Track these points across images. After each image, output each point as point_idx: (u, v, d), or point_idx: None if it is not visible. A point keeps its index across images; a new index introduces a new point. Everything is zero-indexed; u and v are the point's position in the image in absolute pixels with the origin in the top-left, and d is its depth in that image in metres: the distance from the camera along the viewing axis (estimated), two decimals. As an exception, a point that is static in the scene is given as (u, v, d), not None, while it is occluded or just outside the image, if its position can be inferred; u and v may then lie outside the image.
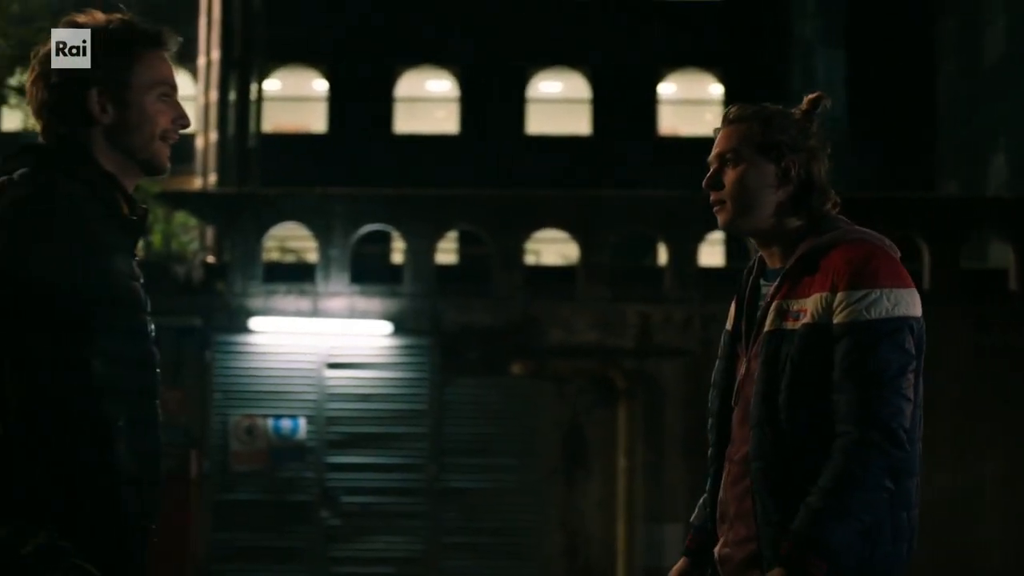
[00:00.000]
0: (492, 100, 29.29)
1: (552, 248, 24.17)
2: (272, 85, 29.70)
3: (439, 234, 18.14)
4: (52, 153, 2.90)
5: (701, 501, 3.45)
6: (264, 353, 17.50)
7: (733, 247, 24.14)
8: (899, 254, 3.27)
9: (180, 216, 16.36)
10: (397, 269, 18.92)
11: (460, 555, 17.37)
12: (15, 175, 2.84)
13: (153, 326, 2.92)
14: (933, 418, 14.62)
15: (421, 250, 17.86)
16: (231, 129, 26.31)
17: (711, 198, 3.33)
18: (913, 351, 3.16)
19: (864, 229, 3.28)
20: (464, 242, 24.61)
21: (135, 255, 2.93)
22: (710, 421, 3.40)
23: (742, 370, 3.31)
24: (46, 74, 2.90)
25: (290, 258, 24.84)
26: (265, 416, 17.29)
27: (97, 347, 2.74)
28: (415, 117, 29.78)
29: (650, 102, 29.34)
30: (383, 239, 22.78)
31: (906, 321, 3.14)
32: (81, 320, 2.72)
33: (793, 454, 3.14)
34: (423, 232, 17.90)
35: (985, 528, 17.32)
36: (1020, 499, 17.37)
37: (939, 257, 17.53)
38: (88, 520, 2.69)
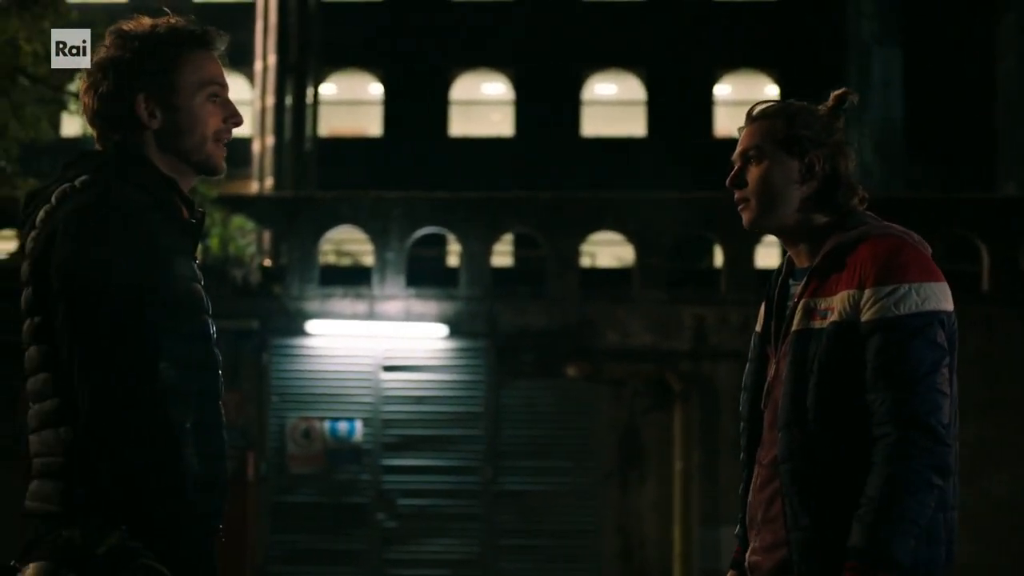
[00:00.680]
0: (547, 102, 29.28)
1: (607, 250, 24.13)
2: (328, 89, 29.84)
3: (494, 237, 18.15)
4: (110, 159, 2.93)
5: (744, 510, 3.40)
6: (320, 356, 17.58)
7: (789, 249, 23.97)
8: (929, 249, 3.20)
9: (237, 220, 16.46)
10: (453, 272, 18.95)
11: (516, 557, 17.37)
12: (76, 182, 2.87)
13: (215, 328, 2.95)
14: (992, 420, 14.44)
15: (476, 253, 17.88)
16: (287, 133, 26.46)
17: (735, 196, 3.28)
18: (945, 345, 3.08)
19: (891, 224, 3.21)
20: (519, 244, 24.62)
21: (195, 257, 2.96)
22: (742, 425, 3.35)
23: (771, 371, 3.26)
24: (97, 83, 2.93)
25: (346, 261, 24.94)
26: (321, 419, 17.37)
27: (162, 350, 2.77)
28: (470, 120, 29.82)
29: (705, 103, 29.25)
30: (439, 242, 22.82)
31: (937, 315, 3.07)
32: (146, 323, 2.75)
33: (823, 456, 3.07)
34: (478, 235, 17.92)
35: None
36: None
37: (998, 258, 17.36)
38: (158, 521, 2.72)
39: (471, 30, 29.36)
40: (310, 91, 27.08)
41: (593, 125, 29.64)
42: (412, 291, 17.70)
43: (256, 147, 26.61)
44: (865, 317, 3.07)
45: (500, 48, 29.38)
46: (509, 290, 18.01)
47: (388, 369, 17.50)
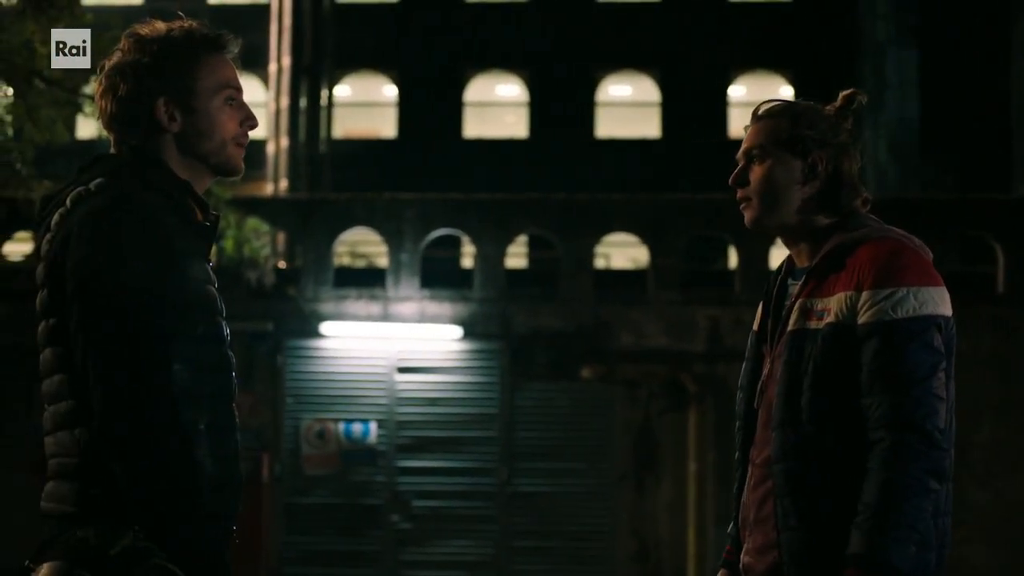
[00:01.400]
0: (561, 104, 29.28)
1: (622, 252, 24.13)
2: (342, 91, 29.87)
3: (509, 238, 18.16)
4: (125, 162, 2.94)
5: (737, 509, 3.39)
6: (335, 357, 17.60)
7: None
8: (930, 254, 3.20)
9: (252, 222, 16.49)
10: (467, 273, 18.96)
11: (530, 559, 17.37)
12: (91, 185, 2.88)
13: (228, 330, 2.96)
14: (1007, 421, 14.38)
15: (491, 254, 17.89)
16: (302, 135, 26.51)
17: (737, 195, 3.27)
18: (943, 350, 3.06)
19: (892, 227, 3.20)
20: (534, 246, 24.62)
21: (209, 260, 2.97)
22: (737, 424, 3.34)
23: (766, 370, 3.24)
24: (114, 87, 2.94)
25: (360, 263, 24.97)
26: (336, 420, 17.39)
27: (176, 352, 2.78)
28: (484, 121, 29.83)
29: (719, 105, 29.22)
30: (453, 244, 22.83)
31: (934, 320, 3.05)
32: (160, 326, 2.76)
33: (815, 457, 3.06)
34: (493, 236, 17.93)
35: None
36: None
37: (1013, 259, 17.31)
38: (171, 522, 2.73)
39: (485, 32, 29.37)
40: (324, 93, 27.13)
41: (607, 126, 29.64)
42: (426, 292, 17.72)
43: (271, 149, 26.66)
44: (862, 320, 3.05)
45: (514, 50, 29.39)
46: (523, 291, 18.02)
47: (402, 371, 17.51)
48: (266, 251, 17.76)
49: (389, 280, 17.84)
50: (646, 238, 18.11)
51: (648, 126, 29.48)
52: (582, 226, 18.04)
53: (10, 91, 12.78)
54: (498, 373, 17.58)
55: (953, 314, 3.13)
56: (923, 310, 3.04)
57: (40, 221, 2.94)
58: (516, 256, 24.11)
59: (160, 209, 2.86)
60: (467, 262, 22.48)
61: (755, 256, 17.64)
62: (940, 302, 3.08)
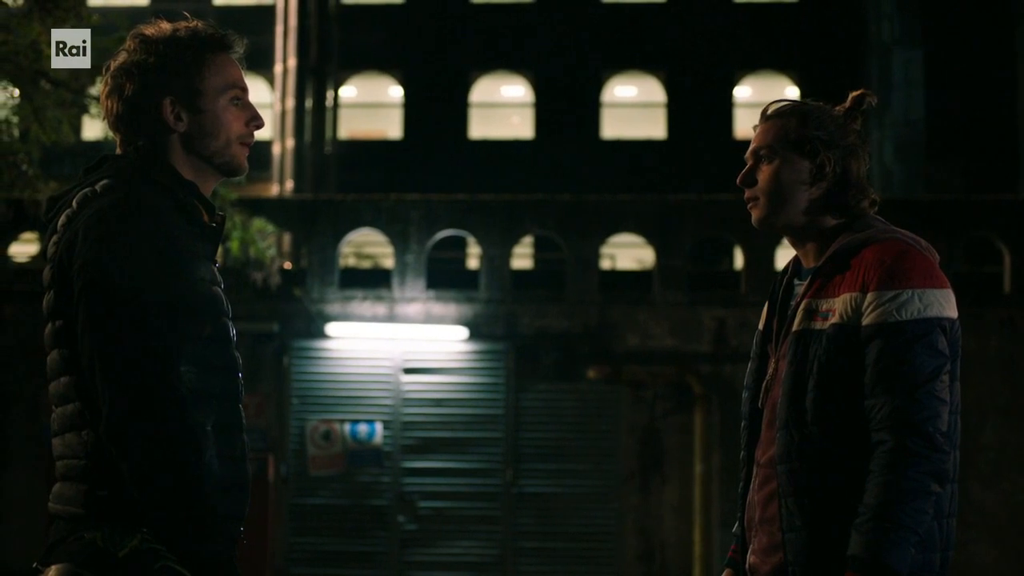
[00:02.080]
0: (566, 105, 29.28)
1: (627, 252, 24.12)
2: (348, 92, 29.89)
3: (514, 239, 18.15)
4: (131, 163, 2.94)
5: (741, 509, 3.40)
6: (341, 358, 17.60)
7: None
8: (936, 256, 3.18)
9: (258, 222, 16.48)
10: (472, 274, 18.95)
11: (536, 560, 17.37)
12: (97, 187, 2.88)
13: (235, 331, 2.96)
14: (1014, 423, 14.32)
15: (496, 255, 17.89)
16: (307, 136, 26.52)
17: (745, 195, 3.28)
18: (947, 353, 3.05)
19: (899, 229, 3.19)
20: (539, 247, 24.61)
21: (215, 261, 2.97)
22: (743, 423, 3.34)
23: (771, 370, 3.24)
24: (120, 87, 2.94)
25: (366, 264, 24.98)
26: (342, 421, 17.39)
27: (182, 353, 2.78)
28: (490, 123, 29.83)
29: (725, 105, 29.21)
30: (458, 245, 22.83)
31: (939, 322, 3.04)
32: (167, 327, 2.76)
33: (820, 457, 3.06)
34: (498, 237, 17.93)
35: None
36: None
37: (1019, 260, 17.29)
38: (179, 523, 2.73)
39: (491, 33, 29.37)
40: (330, 94, 27.14)
41: (613, 127, 29.63)
42: (432, 293, 17.72)
43: (276, 150, 26.67)
44: (866, 321, 3.05)
45: (520, 51, 29.39)
46: (529, 292, 18.02)
47: (408, 371, 17.51)
48: (272, 252, 17.75)
49: (395, 281, 17.85)
50: (652, 239, 18.11)
51: (654, 127, 29.47)
52: (588, 227, 18.03)
53: (16, 92, 12.80)
54: (504, 374, 17.57)
55: (959, 315, 3.12)
56: (928, 312, 3.03)
57: (47, 223, 2.95)
58: (522, 257, 24.12)
59: (166, 210, 2.86)
60: (473, 263, 22.49)
61: (761, 257, 17.62)
62: (945, 304, 3.07)
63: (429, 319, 17.61)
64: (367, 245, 24.45)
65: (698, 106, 28.91)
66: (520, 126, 29.97)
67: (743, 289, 17.68)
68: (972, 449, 16.72)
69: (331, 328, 17.51)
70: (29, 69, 12.05)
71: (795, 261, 3.34)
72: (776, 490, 3.14)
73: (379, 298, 17.77)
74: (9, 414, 17.36)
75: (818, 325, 3.12)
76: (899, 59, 29.57)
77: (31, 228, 17.82)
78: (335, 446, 17.36)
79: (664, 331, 17.54)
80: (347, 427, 17.36)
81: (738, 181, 3.28)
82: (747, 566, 3.26)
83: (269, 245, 17.08)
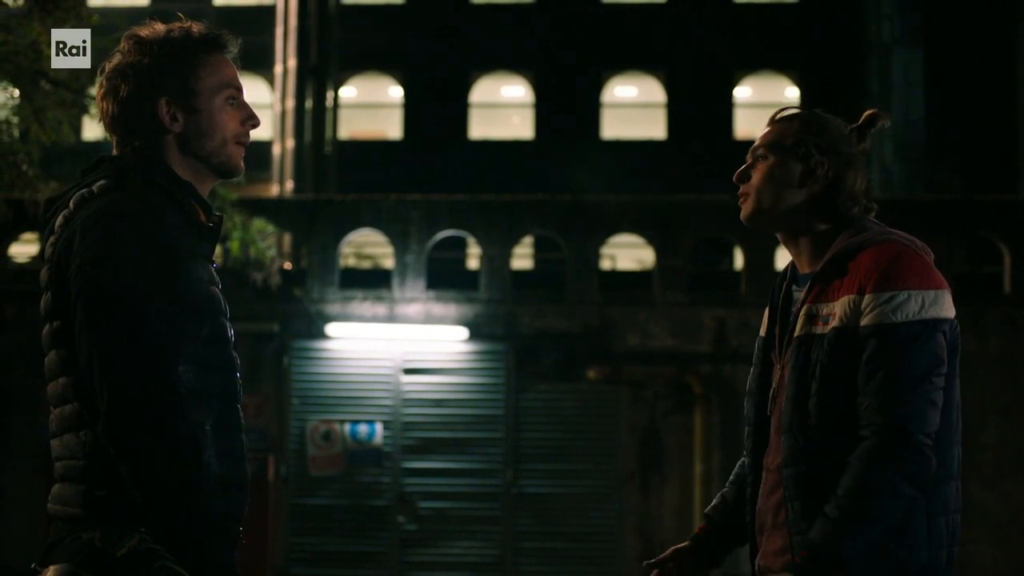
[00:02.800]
0: (566, 105, 29.28)
1: (627, 253, 24.12)
2: (348, 92, 29.89)
3: (514, 240, 18.16)
4: (128, 163, 2.94)
5: (720, 495, 3.45)
6: (341, 359, 17.61)
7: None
8: (932, 256, 3.20)
9: (258, 223, 16.49)
10: (473, 275, 18.95)
11: (536, 560, 17.37)
12: (94, 187, 2.88)
13: (233, 331, 2.96)
14: (1014, 422, 14.31)
15: (496, 256, 17.89)
16: (307, 136, 26.51)
17: (739, 191, 3.32)
18: (943, 354, 3.07)
19: (895, 231, 3.21)
20: (539, 247, 24.61)
21: (213, 261, 2.97)
22: (746, 430, 3.36)
23: (776, 377, 3.27)
24: (115, 88, 2.94)
25: (366, 264, 24.98)
26: (342, 421, 17.39)
27: (180, 352, 2.78)
28: (490, 123, 29.84)
29: (725, 106, 29.21)
30: (458, 245, 22.83)
31: (936, 323, 3.06)
32: (165, 327, 2.76)
33: (824, 461, 3.08)
34: (498, 238, 17.93)
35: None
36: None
37: (1019, 260, 17.28)
38: (177, 523, 2.73)
39: (491, 33, 29.37)
40: (330, 94, 27.13)
41: (613, 127, 29.63)
42: (432, 294, 17.72)
43: (276, 150, 26.67)
44: (864, 322, 3.07)
45: (520, 51, 29.39)
46: (529, 293, 18.02)
47: (408, 372, 17.51)
48: (272, 252, 17.75)
49: (395, 281, 17.85)
50: (652, 239, 18.11)
51: (654, 127, 29.47)
52: (588, 227, 18.03)
53: (16, 92, 12.80)
54: (504, 374, 17.58)
55: (957, 315, 3.13)
56: (924, 313, 3.06)
57: (44, 223, 2.94)
58: (522, 257, 24.12)
59: (163, 210, 2.86)
60: (473, 263, 22.49)
61: (761, 257, 17.63)
62: (942, 305, 3.09)
63: (429, 319, 17.61)
64: (367, 245, 24.45)
65: (698, 106, 28.91)
66: (520, 126, 29.97)
67: (743, 289, 17.68)
68: (972, 449, 16.73)
69: (331, 328, 17.51)
70: (29, 69, 12.05)
71: (792, 267, 3.37)
72: (784, 495, 3.17)
73: (379, 298, 17.77)
74: (9, 414, 17.36)
75: (819, 329, 3.15)
76: (899, 59, 29.57)
77: (31, 228, 17.82)
78: (335, 446, 17.36)
79: (664, 331, 17.54)
80: (347, 427, 17.36)
81: (734, 178, 3.33)
82: (756, 568, 3.29)
83: (269, 245, 17.08)
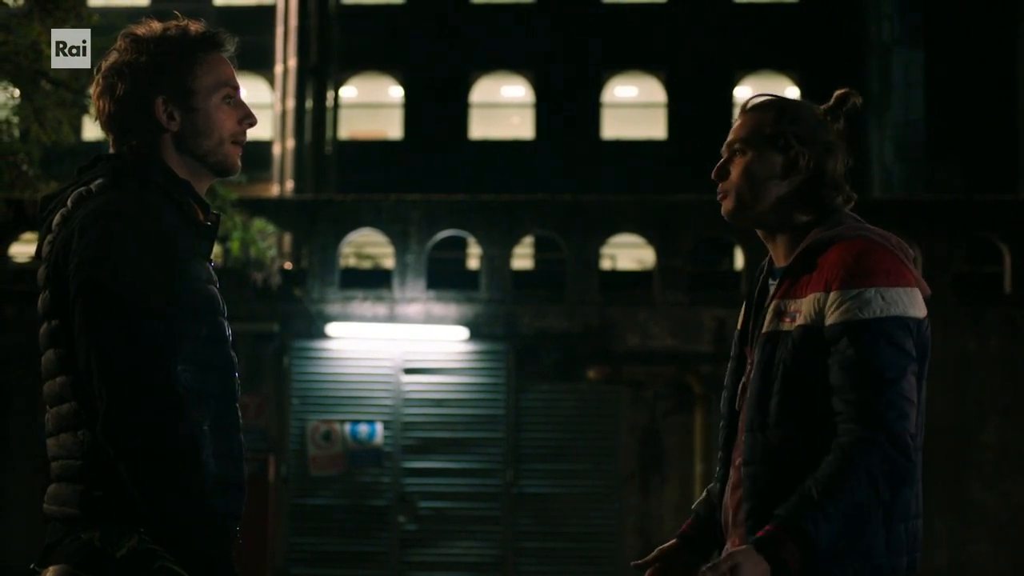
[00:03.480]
0: (567, 105, 29.28)
1: (628, 253, 24.12)
2: (348, 92, 29.89)
3: (514, 239, 18.15)
4: (125, 162, 2.93)
5: (706, 490, 3.40)
6: (341, 359, 17.60)
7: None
8: (910, 253, 3.12)
9: (258, 223, 16.49)
10: (473, 275, 18.95)
11: (536, 560, 17.36)
12: (92, 186, 2.88)
13: (231, 330, 2.95)
14: (1014, 423, 14.32)
15: (497, 255, 17.89)
16: (308, 136, 26.51)
17: (718, 188, 3.24)
18: (913, 353, 2.99)
19: (869, 226, 3.13)
20: (539, 247, 24.62)
21: (210, 260, 2.96)
22: (721, 423, 3.30)
23: (747, 372, 3.20)
24: (112, 87, 2.93)
25: (366, 264, 24.98)
26: (342, 421, 17.39)
27: (178, 352, 2.77)
28: (490, 123, 29.84)
29: (725, 105, 29.21)
30: (459, 245, 22.83)
31: (903, 321, 2.98)
32: (163, 326, 2.75)
33: (782, 460, 3.02)
34: (498, 238, 17.92)
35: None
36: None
37: (1020, 260, 17.28)
38: (176, 523, 2.72)
39: (491, 33, 29.38)
40: (330, 94, 27.13)
41: (613, 127, 29.64)
42: (432, 294, 17.72)
43: (276, 150, 26.68)
44: (829, 320, 3.00)
45: (520, 51, 29.39)
46: (529, 293, 18.02)
47: (408, 372, 17.51)
48: (272, 252, 17.76)
49: (395, 281, 17.85)
50: (652, 239, 18.10)
51: (654, 127, 29.47)
52: (588, 227, 18.03)
53: (17, 92, 12.80)
54: (504, 374, 17.57)
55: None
56: (891, 311, 2.97)
57: (41, 221, 2.94)
58: (522, 257, 24.12)
59: (161, 209, 2.86)
60: (473, 263, 22.49)
61: (761, 257, 17.50)
62: (910, 303, 3.01)
63: (429, 319, 17.61)
64: (367, 245, 24.45)
65: (698, 106, 28.91)
66: (520, 126, 29.97)
67: (743, 289, 17.67)
68: (972, 449, 16.73)
69: (331, 328, 17.51)
70: (29, 69, 12.05)
71: (769, 260, 3.30)
72: (742, 493, 3.11)
73: (379, 298, 17.77)
74: (9, 414, 17.36)
75: (786, 326, 3.07)
76: (899, 59, 29.56)
77: (31, 228, 17.82)
78: (335, 446, 17.36)
79: (664, 331, 17.54)
80: (347, 427, 17.36)
81: (713, 175, 3.25)
82: None
83: (269, 245, 17.09)
